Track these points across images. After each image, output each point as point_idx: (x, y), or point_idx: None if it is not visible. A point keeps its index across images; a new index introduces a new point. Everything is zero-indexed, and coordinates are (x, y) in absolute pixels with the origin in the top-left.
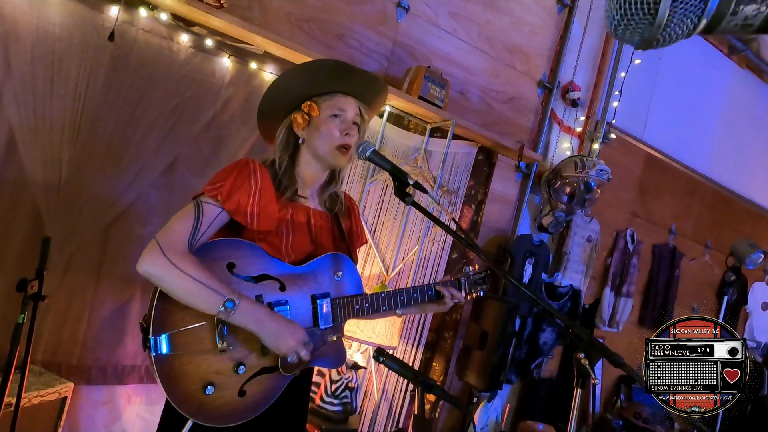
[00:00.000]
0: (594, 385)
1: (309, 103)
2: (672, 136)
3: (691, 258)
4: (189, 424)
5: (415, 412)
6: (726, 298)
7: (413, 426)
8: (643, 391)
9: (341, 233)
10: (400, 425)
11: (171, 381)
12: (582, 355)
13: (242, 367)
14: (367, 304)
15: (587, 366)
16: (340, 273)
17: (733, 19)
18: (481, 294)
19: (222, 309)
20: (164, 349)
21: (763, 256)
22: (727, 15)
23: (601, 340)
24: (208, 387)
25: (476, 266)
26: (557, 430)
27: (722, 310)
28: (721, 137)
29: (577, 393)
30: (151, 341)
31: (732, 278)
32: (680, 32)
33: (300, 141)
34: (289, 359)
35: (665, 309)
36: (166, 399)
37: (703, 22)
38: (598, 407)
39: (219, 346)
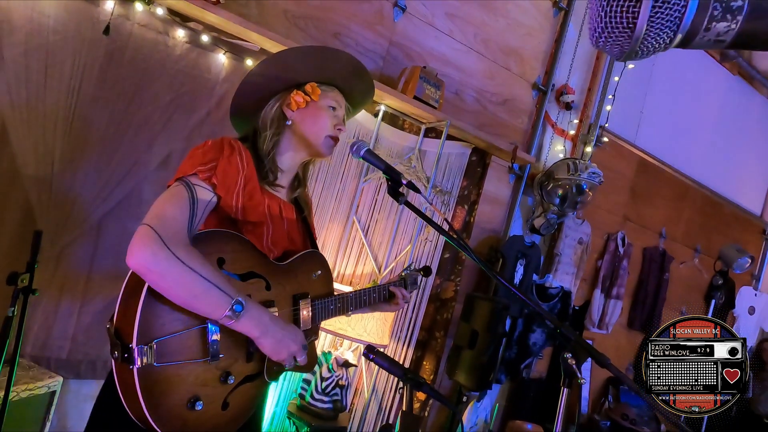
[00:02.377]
0: (581, 385)
1: (313, 84)
2: (664, 140)
3: (680, 262)
4: None
5: (403, 408)
6: (714, 301)
7: (400, 422)
8: (630, 392)
9: (307, 228)
10: (390, 422)
11: (154, 397)
12: (569, 355)
13: (231, 377)
14: (339, 304)
15: (574, 366)
16: (319, 272)
17: (706, 35)
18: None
19: (229, 312)
20: (150, 360)
21: (750, 260)
22: (700, 31)
23: (590, 342)
24: (197, 402)
25: (411, 267)
26: (546, 431)
27: (710, 314)
28: (711, 143)
29: (564, 393)
30: (137, 351)
31: (720, 282)
32: (657, 45)
33: (288, 122)
34: (286, 365)
35: (654, 312)
36: (95, 406)
37: (679, 36)
38: (586, 408)
39: (210, 354)
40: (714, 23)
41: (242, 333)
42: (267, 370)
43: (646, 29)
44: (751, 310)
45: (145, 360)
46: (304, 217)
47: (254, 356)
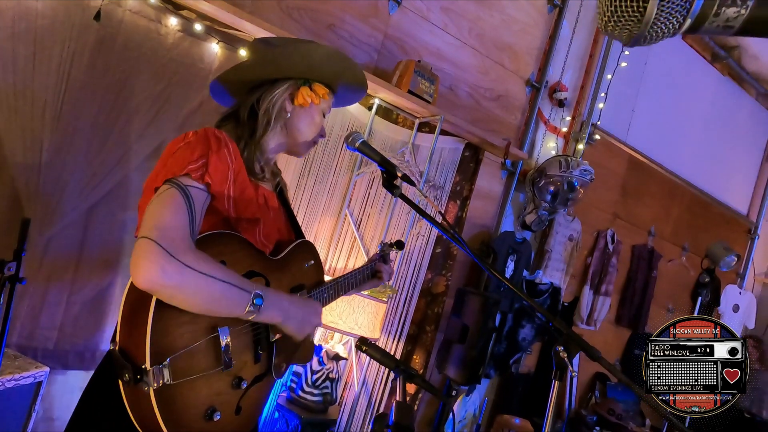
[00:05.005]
0: (572, 378)
1: (324, 89)
2: (654, 139)
3: (668, 259)
4: None
5: (398, 399)
6: (700, 299)
7: (395, 412)
8: (617, 388)
9: (291, 215)
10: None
11: (173, 415)
12: (561, 348)
13: (244, 382)
14: (331, 291)
15: (566, 359)
16: (311, 262)
17: (715, 20)
18: None
19: (251, 308)
20: (166, 380)
21: (736, 259)
22: (710, 16)
23: None
24: (215, 413)
25: (385, 242)
26: (533, 425)
27: (696, 311)
28: (701, 142)
29: (555, 385)
30: (153, 372)
31: (706, 280)
32: (666, 31)
33: (287, 115)
34: (312, 337)
35: (642, 309)
36: (80, 404)
37: (688, 22)
38: (574, 403)
39: (223, 362)
40: (723, 8)
41: (265, 321)
42: (275, 368)
43: (656, 14)
44: (736, 308)
45: (162, 380)
46: (286, 202)
47: (261, 356)
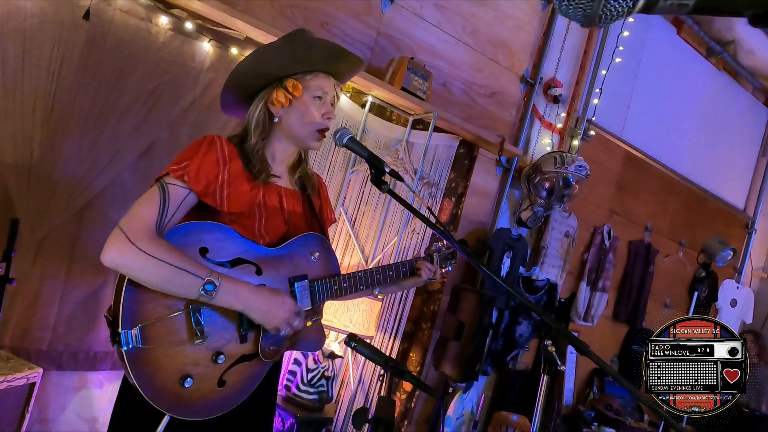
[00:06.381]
0: (563, 375)
1: (293, 82)
2: (650, 135)
3: (665, 255)
4: (166, 419)
5: (382, 394)
6: (696, 294)
7: (377, 406)
8: (615, 384)
9: (313, 212)
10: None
11: (145, 376)
12: (549, 343)
13: (222, 356)
14: (344, 284)
15: (554, 353)
16: (316, 254)
17: None
18: (449, 269)
19: (202, 292)
20: (136, 343)
21: (732, 253)
22: None
23: (575, 334)
24: (187, 380)
25: (444, 242)
26: (531, 421)
27: (693, 306)
28: (697, 137)
29: (544, 380)
30: (122, 335)
31: (702, 275)
32: (621, 9)
33: (275, 120)
34: (282, 333)
35: (639, 304)
36: (119, 394)
37: (641, 0)
38: (571, 399)
39: (196, 335)
40: None
41: (227, 308)
42: (261, 350)
43: None
44: (733, 303)
45: (131, 343)
46: (311, 200)
47: (247, 337)
